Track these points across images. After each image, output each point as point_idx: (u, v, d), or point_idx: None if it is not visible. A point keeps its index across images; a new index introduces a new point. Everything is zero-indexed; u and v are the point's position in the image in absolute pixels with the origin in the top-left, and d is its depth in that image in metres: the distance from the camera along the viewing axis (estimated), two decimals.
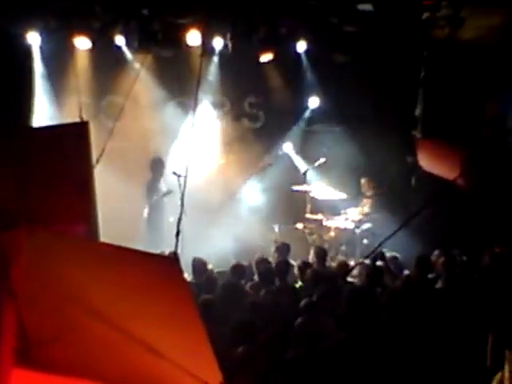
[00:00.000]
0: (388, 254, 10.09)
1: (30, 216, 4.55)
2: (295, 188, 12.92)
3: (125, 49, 12.81)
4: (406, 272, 9.45)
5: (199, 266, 9.04)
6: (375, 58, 12.64)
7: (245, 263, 9.23)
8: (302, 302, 7.27)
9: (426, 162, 11.39)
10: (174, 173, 11.65)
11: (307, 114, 13.80)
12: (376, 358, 6.29)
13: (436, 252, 9.66)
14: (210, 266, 9.24)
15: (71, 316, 3.15)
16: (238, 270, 8.92)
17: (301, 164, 13.32)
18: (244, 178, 13.40)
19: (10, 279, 3.24)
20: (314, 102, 13.63)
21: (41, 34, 12.15)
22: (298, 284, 8.89)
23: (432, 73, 11.41)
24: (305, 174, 12.80)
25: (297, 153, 13.48)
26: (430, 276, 8.86)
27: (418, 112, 12.06)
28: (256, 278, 9.01)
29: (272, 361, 5.92)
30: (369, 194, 12.88)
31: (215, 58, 13.13)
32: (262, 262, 9.22)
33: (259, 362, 5.67)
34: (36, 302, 3.14)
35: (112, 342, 3.10)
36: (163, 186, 12.29)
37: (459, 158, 9.62)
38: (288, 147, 13.46)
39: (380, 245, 3.86)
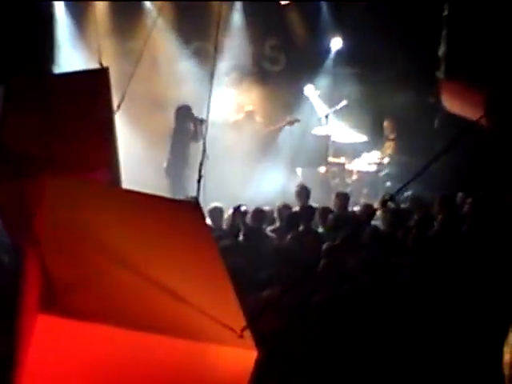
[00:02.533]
0: (411, 195, 10.03)
1: (53, 162, 4.56)
2: (316, 132, 12.86)
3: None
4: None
5: (217, 213, 9.05)
6: None
7: (266, 208, 9.21)
8: (325, 246, 7.28)
9: (450, 102, 11.21)
10: (197, 118, 11.62)
11: (329, 56, 13.63)
12: (401, 300, 6.29)
13: (460, 194, 9.59)
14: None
15: (95, 263, 3.17)
16: (259, 215, 8.90)
17: (322, 107, 13.20)
18: (271, 128, 13.30)
19: (34, 227, 3.26)
20: (336, 43, 13.45)
21: None
22: (320, 229, 8.87)
23: (455, 11, 11.18)
24: (326, 117, 12.70)
25: (319, 95, 13.34)
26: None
27: (441, 52, 11.87)
28: (278, 223, 9.00)
29: (297, 304, 5.94)
30: (391, 136, 12.78)
31: (235, 2, 12.99)
32: (285, 207, 9.19)
33: (284, 306, 5.70)
34: (60, 250, 3.16)
35: (136, 289, 3.11)
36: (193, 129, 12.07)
37: (483, 98, 9.47)
38: (310, 90, 13.32)
39: (403, 187, 3.82)
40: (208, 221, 8.24)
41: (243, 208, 9.09)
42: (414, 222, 8.51)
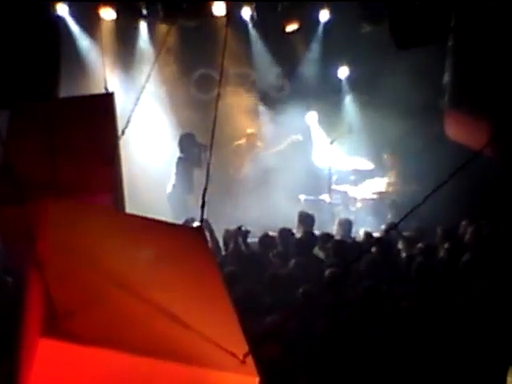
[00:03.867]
0: (412, 225, 10.03)
1: (57, 187, 4.57)
2: (320, 159, 12.90)
3: (149, 20, 12.81)
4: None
5: (229, 237, 9.09)
6: (401, 26, 12.47)
7: (272, 234, 9.23)
8: (327, 273, 7.27)
9: (454, 132, 11.24)
10: (200, 144, 11.71)
11: (334, 84, 13.67)
12: (401, 329, 6.28)
13: (463, 223, 9.58)
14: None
15: (97, 287, 3.16)
16: (267, 240, 8.93)
17: (322, 135, 13.24)
18: (272, 150, 13.34)
19: (36, 251, 3.26)
20: (343, 72, 13.49)
21: (68, 6, 12.20)
22: (322, 256, 8.86)
23: (461, 41, 11.23)
24: (331, 143, 12.72)
25: (323, 123, 13.37)
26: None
27: (445, 81, 11.90)
28: (279, 247, 9.00)
29: (299, 331, 5.93)
30: (392, 169, 12.77)
31: (241, 29, 13.07)
32: (286, 232, 9.19)
33: (286, 332, 5.68)
34: (63, 273, 3.16)
35: (138, 313, 3.10)
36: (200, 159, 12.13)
37: (487, 128, 9.49)
38: (312, 117, 13.36)
39: (406, 216, 3.81)
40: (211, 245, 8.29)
41: (244, 228, 9.18)
42: (417, 250, 8.51)
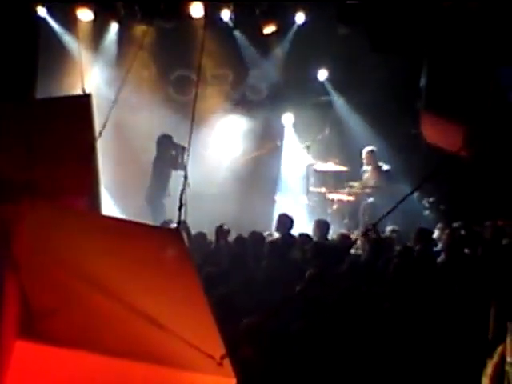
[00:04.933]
0: (388, 228, 10.09)
1: (33, 188, 4.55)
2: (297, 161, 12.94)
3: (127, 21, 12.79)
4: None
5: (200, 239, 9.10)
6: (378, 29, 12.54)
7: (246, 236, 9.24)
8: (306, 274, 7.28)
9: (430, 133, 11.33)
10: (179, 146, 11.74)
11: (312, 86, 13.70)
12: (380, 329, 6.31)
13: (439, 225, 9.66)
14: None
15: (73, 288, 3.16)
16: (241, 242, 8.94)
17: (298, 137, 13.30)
18: (250, 155, 13.37)
19: (13, 252, 3.25)
20: (323, 74, 13.52)
21: (47, 8, 12.18)
22: (299, 257, 8.88)
23: (436, 44, 11.32)
24: (308, 147, 12.77)
25: (300, 125, 13.41)
26: (434, 249, 8.87)
27: (422, 84, 11.99)
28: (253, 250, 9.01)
29: (276, 333, 5.93)
30: (371, 166, 12.80)
31: (219, 31, 13.07)
32: (257, 235, 9.19)
33: (263, 334, 5.69)
34: (39, 275, 3.15)
35: (114, 315, 3.10)
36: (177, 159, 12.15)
37: (463, 130, 9.58)
38: (288, 119, 13.40)
39: (383, 217, 3.83)
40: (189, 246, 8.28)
41: (225, 227, 9.20)
42: (396, 252, 8.56)
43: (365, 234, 9.29)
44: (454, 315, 6.46)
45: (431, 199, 12.01)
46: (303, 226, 11.03)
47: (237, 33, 13.35)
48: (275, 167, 13.48)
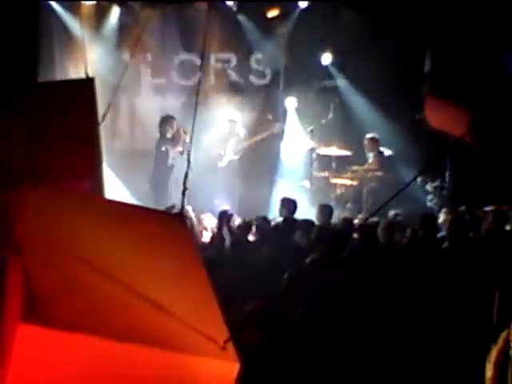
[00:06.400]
0: (391, 212, 10.06)
1: (35, 173, 4.54)
2: (300, 145, 12.93)
3: (130, 4, 12.75)
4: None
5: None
6: (383, 13, 12.49)
7: (249, 220, 9.24)
8: (307, 259, 7.28)
9: (434, 118, 11.27)
10: (179, 128, 11.75)
11: (315, 69, 13.64)
12: (382, 314, 6.31)
13: (444, 209, 9.63)
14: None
15: (77, 273, 3.15)
16: (245, 226, 8.94)
17: (298, 121, 13.28)
18: (254, 139, 13.34)
19: (16, 237, 3.24)
20: (326, 58, 13.46)
21: None
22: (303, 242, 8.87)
23: (441, 28, 11.25)
24: (311, 131, 12.74)
25: (304, 109, 13.37)
26: (438, 235, 8.85)
27: (426, 69, 11.93)
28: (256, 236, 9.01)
29: (279, 317, 5.94)
30: (373, 152, 12.75)
31: (222, 14, 13.02)
32: (262, 220, 9.19)
33: (267, 319, 5.69)
34: (42, 260, 3.14)
35: (118, 299, 3.10)
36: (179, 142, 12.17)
37: (467, 115, 9.53)
38: (290, 103, 13.35)
39: (386, 202, 3.81)
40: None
41: (229, 212, 9.21)
42: (397, 237, 8.56)
43: (367, 219, 9.25)
44: (458, 300, 6.46)
45: (435, 184, 11.99)
46: (306, 210, 11.01)
47: (240, 17, 13.29)
48: (276, 151, 13.46)
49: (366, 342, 5.99)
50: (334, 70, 13.60)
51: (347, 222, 9.54)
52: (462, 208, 9.69)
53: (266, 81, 13.88)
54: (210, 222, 9.76)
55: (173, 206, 8.76)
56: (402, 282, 7.04)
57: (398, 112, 12.91)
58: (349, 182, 12.57)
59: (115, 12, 12.98)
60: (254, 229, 9.05)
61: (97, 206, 4.04)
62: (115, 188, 11.14)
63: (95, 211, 3.81)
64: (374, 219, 8.89)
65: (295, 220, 9.36)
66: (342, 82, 13.62)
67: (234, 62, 13.76)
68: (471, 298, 6.41)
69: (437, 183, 12.00)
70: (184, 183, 4.38)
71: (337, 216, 10.88)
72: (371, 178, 12.48)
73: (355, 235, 8.96)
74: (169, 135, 12.15)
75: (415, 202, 10.65)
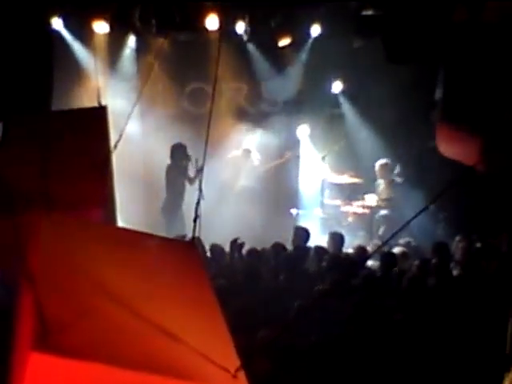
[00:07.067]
0: (402, 241, 10.04)
1: (48, 200, 4.56)
2: (312, 173, 12.94)
3: (142, 33, 12.83)
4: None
5: (217, 251, 9.10)
6: (394, 41, 12.51)
7: (259, 248, 9.22)
8: (318, 288, 7.26)
9: (445, 146, 11.27)
10: (192, 158, 11.76)
11: (326, 98, 13.67)
12: (394, 343, 6.27)
13: (457, 237, 9.60)
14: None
15: (89, 301, 3.16)
16: (253, 255, 8.93)
17: (314, 149, 13.28)
18: (267, 166, 13.36)
19: (28, 264, 3.25)
20: (337, 86, 13.49)
21: (63, 19, 12.24)
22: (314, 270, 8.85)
23: (453, 56, 11.27)
24: (323, 158, 12.75)
25: (315, 137, 13.39)
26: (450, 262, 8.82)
27: (437, 97, 11.94)
28: (272, 262, 8.99)
29: (290, 346, 5.91)
30: (385, 180, 12.76)
31: (234, 43, 13.08)
32: (279, 247, 9.19)
33: (278, 347, 5.67)
34: (54, 287, 3.15)
35: (130, 328, 3.09)
36: (190, 171, 12.20)
37: (479, 143, 9.52)
38: (303, 131, 13.37)
39: (398, 231, 3.81)
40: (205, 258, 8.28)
41: (239, 241, 9.19)
42: (408, 265, 8.53)
43: (379, 248, 9.23)
44: (471, 329, 6.41)
45: (446, 213, 11.95)
46: (317, 238, 10.98)
47: (251, 45, 13.36)
48: (293, 180, 13.47)
49: (377, 370, 5.95)
50: (342, 98, 13.62)
51: (361, 250, 9.53)
52: (474, 236, 9.66)
53: (278, 109, 13.91)
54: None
55: (183, 236, 8.76)
56: (415, 310, 7.01)
57: (408, 140, 12.91)
58: (360, 210, 12.55)
59: (128, 41, 13.08)
60: (266, 257, 9.05)
61: (109, 234, 4.06)
62: (127, 216, 11.16)
63: (107, 240, 3.82)
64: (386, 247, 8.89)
65: (306, 248, 9.35)
66: (348, 110, 13.63)
67: (245, 90, 13.81)
68: (484, 327, 6.36)
69: (448, 212, 11.96)
70: (196, 211, 4.39)
71: (348, 244, 10.86)
72: (382, 206, 12.47)
73: (369, 263, 8.95)
74: (180, 163, 12.18)
75: (427, 230, 10.60)
